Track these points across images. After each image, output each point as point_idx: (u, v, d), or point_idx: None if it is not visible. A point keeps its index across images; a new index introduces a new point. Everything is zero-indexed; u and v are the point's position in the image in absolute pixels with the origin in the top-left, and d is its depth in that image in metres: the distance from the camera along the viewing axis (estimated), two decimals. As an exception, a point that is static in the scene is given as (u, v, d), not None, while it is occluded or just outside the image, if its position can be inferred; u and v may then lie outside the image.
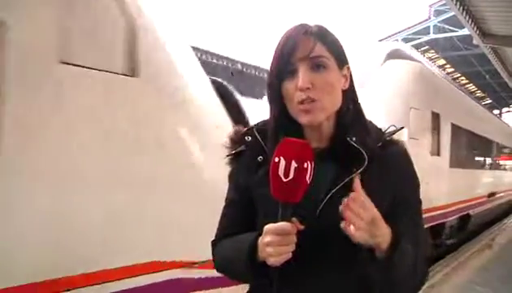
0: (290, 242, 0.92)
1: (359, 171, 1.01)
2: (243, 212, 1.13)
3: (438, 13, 19.23)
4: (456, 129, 8.04)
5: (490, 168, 11.94)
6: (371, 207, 0.93)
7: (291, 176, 0.91)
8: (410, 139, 5.39)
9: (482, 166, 11.04)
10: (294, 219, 0.94)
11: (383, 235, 0.95)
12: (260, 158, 1.08)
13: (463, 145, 8.97)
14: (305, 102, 1.00)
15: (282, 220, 0.92)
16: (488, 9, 6.94)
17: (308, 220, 0.96)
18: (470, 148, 9.68)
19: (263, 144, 1.09)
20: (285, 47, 1.01)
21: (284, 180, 0.91)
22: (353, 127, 1.06)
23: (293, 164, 0.91)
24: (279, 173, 0.92)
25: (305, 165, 0.92)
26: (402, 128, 1.16)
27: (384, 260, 0.96)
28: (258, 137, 1.10)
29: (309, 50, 1.00)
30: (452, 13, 10.90)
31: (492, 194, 10.69)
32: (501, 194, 12.40)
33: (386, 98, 5.69)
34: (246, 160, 1.12)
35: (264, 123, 1.12)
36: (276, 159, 0.92)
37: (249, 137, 1.12)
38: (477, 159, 10.60)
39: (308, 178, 0.93)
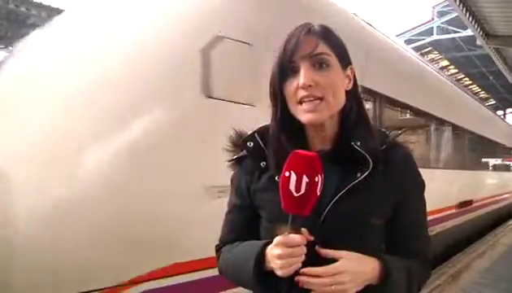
0: (300, 253, 0.92)
1: (363, 176, 1.00)
2: (246, 217, 1.13)
3: (441, 14, 19.20)
4: (374, 99, 4.38)
5: (463, 167, 7.80)
6: (345, 265, 0.94)
7: (302, 191, 0.90)
8: (215, 101, 2.45)
9: (445, 163, 6.98)
10: (304, 229, 0.93)
11: (367, 273, 0.97)
12: (263, 163, 1.08)
13: (397, 127, 4.53)
14: (306, 100, 0.99)
15: (292, 232, 0.92)
16: (492, 9, 6.93)
17: (312, 227, 0.95)
18: (417, 135, 6.04)
19: (265, 149, 1.08)
20: (288, 46, 1.00)
21: (296, 194, 0.91)
22: (356, 129, 1.05)
23: (305, 179, 0.90)
24: (291, 188, 0.91)
25: (316, 179, 0.91)
26: (405, 130, 1.16)
27: (377, 290, 0.99)
28: (260, 142, 1.09)
29: (311, 48, 0.99)
30: (455, 14, 10.87)
31: (465, 204, 7.41)
32: (484, 202, 8.94)
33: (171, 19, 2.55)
34: (248, 166, 1.11)
35: (266, 127, 1.11)
36: (287, 174, 0.92)
37: (251, 143, 1.10)
38: (434, 152, 6.65)
39: (318, 191, 0.92)
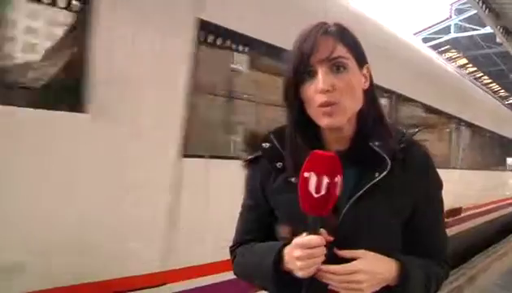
0: (320, 254, 0.91)
1: (381, 176, 0.99)
2: (261, 218, 1.13)
3: (459, 12, 18.92)
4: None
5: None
6: (361, 264, 0.94)
7: (322, 191, 0.90)
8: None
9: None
10: (323, 230, 0.93)
11: (384, 274, 0.96)
12: (279, 164, 1.07)
13: None
14: (325, 105, 0.97)
15: (311, 233, 0.92)
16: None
17: (330, 227, 0.95)
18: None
19: (281, 150, 1.07)
20: (304, 48, 0.98)
21: (315, 195, 0.90)
22: (374, 129, 1.04)
23: (325, 180, 0.90)
24: (310, 189, 0.90)
25: (336, 179, 0.91)
26: (422, 129, 1.14)
27: (395, 291, 0.98)
28: (276, 143, 1.09)
29: (329, 51, 0.97)
30: (474, 11, 10.71)
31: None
32: (474, 211, 6.91)
33: None
34: (264, 166, 1.11)
35: (281, 128, 1.10)
36: (306, 175, 0.91)
37: (267, 144, 1.10)
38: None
39: (338, 191, 0.92)
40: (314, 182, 0.90)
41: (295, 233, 0.95)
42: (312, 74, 0.98)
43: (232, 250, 1.18)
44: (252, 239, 1.13)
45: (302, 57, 0.98)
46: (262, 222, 1.12)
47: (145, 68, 2.19)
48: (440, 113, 5.64)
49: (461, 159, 6.78)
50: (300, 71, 0.98)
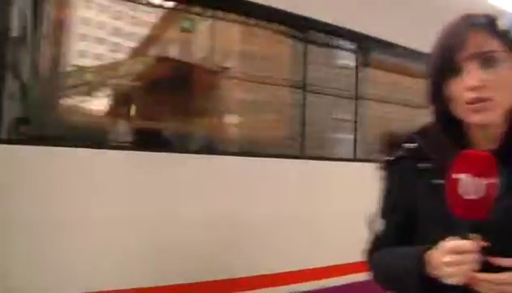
0: (472, 260, 0.86)
1: None
2: (401, 221, 1.09)
3: None
4: None
5: None
6: None
7: (478, 193, 0.86)
8: None
9: None
10: (475, 235, 0.87)
11: None
12: (424, 165, 1.03)
13: None
14: (475, 102, 0.92)
15: (462, 238, 0.87)
16: None
17: (481, 232, 0.88)
18: None
19: (425, 151, 1.04)
20: (451, 44, 0.95)
21: (469, 197, 0.86)
22: None
23: (479, 181, 0.86)
24: (463, 191, 0.86)
25: (493, 180, 0.86)
26: None
27: None
28: (421, 143, 1.06)
29: (479, 45, 0.92)
30: None
31: None
32: None
33: None
34: (405, 168, 1.08)
35: (424, 128, 1.07)
36: (458, 176, 0.87)
37: (412, 144, 1.07)
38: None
39: (494, 193, 0.86)
40: (467, 184, 0.86)
41: (442, 238, 0.91)
42: (459, 70, 0.94)
43: (369, 253, 1.16)
44: (390, 243, 1.10)
45: (449, 53, 0.95)
46: (401, 225, 1.09)
47: None
48: None
49: None
50: (446, 68, 0.95)
